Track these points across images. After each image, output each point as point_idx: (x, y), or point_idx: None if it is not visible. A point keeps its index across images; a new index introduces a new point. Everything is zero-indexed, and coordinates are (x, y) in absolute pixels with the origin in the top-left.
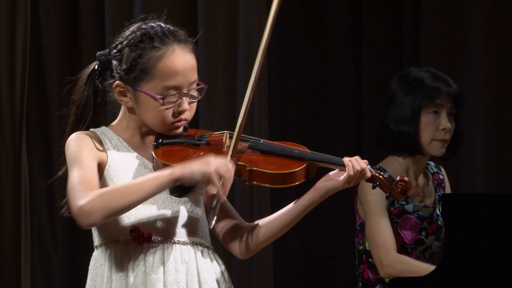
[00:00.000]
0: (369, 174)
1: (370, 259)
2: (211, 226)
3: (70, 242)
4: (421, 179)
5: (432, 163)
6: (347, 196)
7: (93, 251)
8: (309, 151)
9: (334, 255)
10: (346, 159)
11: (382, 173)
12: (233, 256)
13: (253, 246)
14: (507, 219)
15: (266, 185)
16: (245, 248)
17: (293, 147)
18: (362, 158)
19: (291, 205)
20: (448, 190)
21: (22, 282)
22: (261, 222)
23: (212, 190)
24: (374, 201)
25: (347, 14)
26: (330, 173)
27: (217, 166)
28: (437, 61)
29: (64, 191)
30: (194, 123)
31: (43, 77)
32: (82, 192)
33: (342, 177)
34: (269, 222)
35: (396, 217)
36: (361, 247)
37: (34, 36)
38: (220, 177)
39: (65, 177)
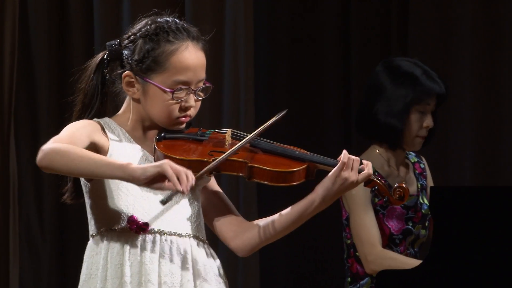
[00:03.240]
0: (370, 171)
1: (357, 253)
2: (163, 205)
3: (58, 234)
4: (402, 169)
5: (412, 153)
6: None
7: (80, 242)
8: (308, 153)
9: (322, 250)
10: None
11: (380, 179)
12: (219, 252)
13: (254, 245)
14: (496, 212)
15: (266, 182)
16: (246, 246)
17: (294, 149)
18: (350, 152)
19: (293, 206)
20: (429, 179)
21: (11, 275)
22: (263, 221)
23: (169, 185)
24: (358, 195)
25: (335, 7)
26: None
27: (170, 163)
28: (426, 54)
29: (66, 179)
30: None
31: (31, 72)
32: (58, 140)
33: (335, 167)
34: (271, 222)
35: (382, 208)
36: (349, 241)
37: (22, 31)
38: (174, 171)
39: None
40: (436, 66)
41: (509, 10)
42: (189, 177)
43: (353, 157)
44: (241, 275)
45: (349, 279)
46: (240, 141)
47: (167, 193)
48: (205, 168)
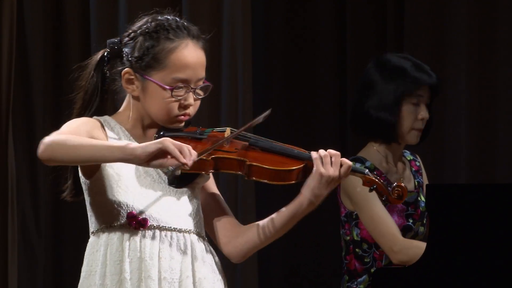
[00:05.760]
0: (349, 162)
1: (357, 249)
2: (175, 187)
3: (53, 231)
4: (400, 166)
5: (407, 151)
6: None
7: (75, 238)
8: (307, 152)
9: (319, 247)
10: None
11: (379, 177)
12: (217, 249)
13: (246, 251)
14: (491, 209)
15: (264, 181)
16: (239, 252)
17: (293, 148)
18: (346, 150)
19: (282, 210)
20: (425, 177)
21: (9, 272)
22: (255, 226)
23: (171, 161)
24: (364, 190)
25: (332, 5)
26: None
27: (170, 139)
28: (421, 50)
29: (66, 176)
30: None
31: (28, 70)
32: (59, 133)
33: (314, 167)
34: (262, 227)
35: (383, 203)
36: (348, 238)
37: (19, 30)
38: (176, 146)
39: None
40: (431, 63)
41: (503, 7)
42: (191, 150)
43: (331, 151)
44: (240, 272)
45: (346, 276)
46: (239, 139)
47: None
48: (202, 152)
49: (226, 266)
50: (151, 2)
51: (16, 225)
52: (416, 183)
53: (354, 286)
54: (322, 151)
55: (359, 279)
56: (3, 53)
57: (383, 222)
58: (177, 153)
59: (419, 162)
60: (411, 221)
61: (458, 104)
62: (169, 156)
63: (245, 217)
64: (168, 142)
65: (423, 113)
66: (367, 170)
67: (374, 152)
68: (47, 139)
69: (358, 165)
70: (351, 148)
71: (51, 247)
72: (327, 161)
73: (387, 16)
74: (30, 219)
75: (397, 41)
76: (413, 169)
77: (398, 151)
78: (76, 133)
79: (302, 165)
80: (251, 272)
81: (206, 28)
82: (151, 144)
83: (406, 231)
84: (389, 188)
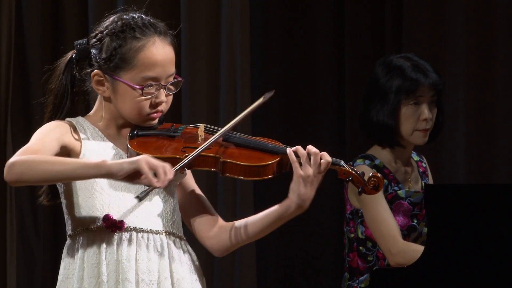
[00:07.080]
0: (329, 158)
1: (361, 247)
2: (139, 202)
3: (52, 231)
4: (408, 166)
5: (414, 152)
6: (329, 186)
7: None
8: (283, 145)
9: (317, 244)
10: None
11: (355, 169)
12: (195, 247)
13: (229, 246)
14: (490, 210)
15: (240, 177)
16: (222, 246)
17: (267, 141)
18: (345, 150)
19: (270, 210)
20: (430, 178)
21: (8, 272)
22: (240, 223)
23: (146, 181)
24: None
25: (329, 3)
26: None
27: (146, 159)
28: (419, 50)
29: None
30: (176, 117)
31: (26, 67)
32: (21, 154)
33: (294, 168)
34: (248, 225)
35: (389, 203)
36: (352, 235)
37: (17, 27)
38: (151, 167)
39: None
40: (430, 61)
41: (501, 7)
42: (166, 171)
43: (311, 150)
44: (238, 267)
45: (347, 274)
46: (213, 135)
47: (144, 188)
48: (178, 165)
49: (224, 261)
50: (149, 3)
51: (15, 225)
52: (423, 184)
53: (355, 285)
54: (299, 150)
55: (360, 278)
56: (2, 55)
57: (385, 223)
58: (150, 176)
59: (425, 163)
60: (415, 221)
61: (456, 104)
62: (143, 176)
63: (244, 216)
64: (143, 163)
65: (425, 113)
66: (342, 161)
67: (384, 151)
68: (11, 161)
69: (367, 162)
70: (350, 149)
71: (49, 248)
72: (305, 162)
73: (386, 16)
74: (29, 220)
75: (395, 41)
76: (420, 170)
77: (405, 154)
78: (45, 144)
79: (277, 159)
80: (249, 267)
81: (205, 28)
82: (127, 164)
83: (410, 231)
84: (365, 179)
